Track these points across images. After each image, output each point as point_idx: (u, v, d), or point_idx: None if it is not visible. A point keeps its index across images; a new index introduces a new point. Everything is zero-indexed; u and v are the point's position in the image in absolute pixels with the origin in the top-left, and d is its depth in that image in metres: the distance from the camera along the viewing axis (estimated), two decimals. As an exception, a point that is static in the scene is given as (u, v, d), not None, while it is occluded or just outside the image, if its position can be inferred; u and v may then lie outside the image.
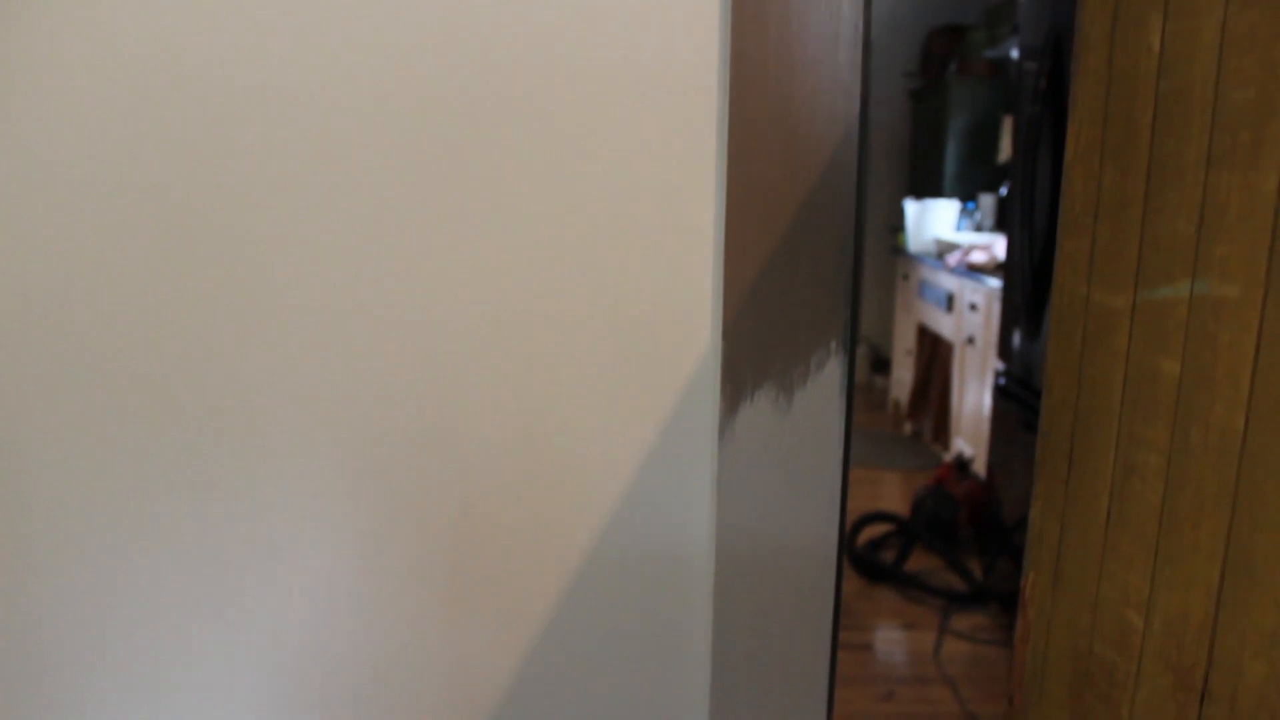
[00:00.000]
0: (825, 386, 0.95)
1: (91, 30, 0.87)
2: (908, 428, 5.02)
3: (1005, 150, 4.90)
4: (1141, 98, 0.75)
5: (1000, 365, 3.15)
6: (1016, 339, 2.97)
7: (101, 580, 0.96)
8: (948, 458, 4.22)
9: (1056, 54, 2.62)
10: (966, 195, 5.26)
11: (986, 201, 5.02)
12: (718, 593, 0.98)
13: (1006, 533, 3.02)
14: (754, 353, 0.93)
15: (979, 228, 5.05)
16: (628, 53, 0.90)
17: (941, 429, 4.49)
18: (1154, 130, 0.73)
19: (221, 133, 0.89)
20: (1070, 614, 0.88)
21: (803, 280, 0.92)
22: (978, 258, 4.06)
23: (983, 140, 5.20)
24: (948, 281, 4.32)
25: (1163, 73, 0.72)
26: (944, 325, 4.40)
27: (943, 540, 3.46)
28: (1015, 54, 4.56)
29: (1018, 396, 2.94)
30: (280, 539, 0.96)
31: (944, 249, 4.72)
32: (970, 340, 3.97)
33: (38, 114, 0.88)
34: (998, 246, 4.06)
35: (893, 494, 4.07)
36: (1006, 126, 4.91)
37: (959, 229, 5.06)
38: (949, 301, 4.29)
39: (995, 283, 3.64)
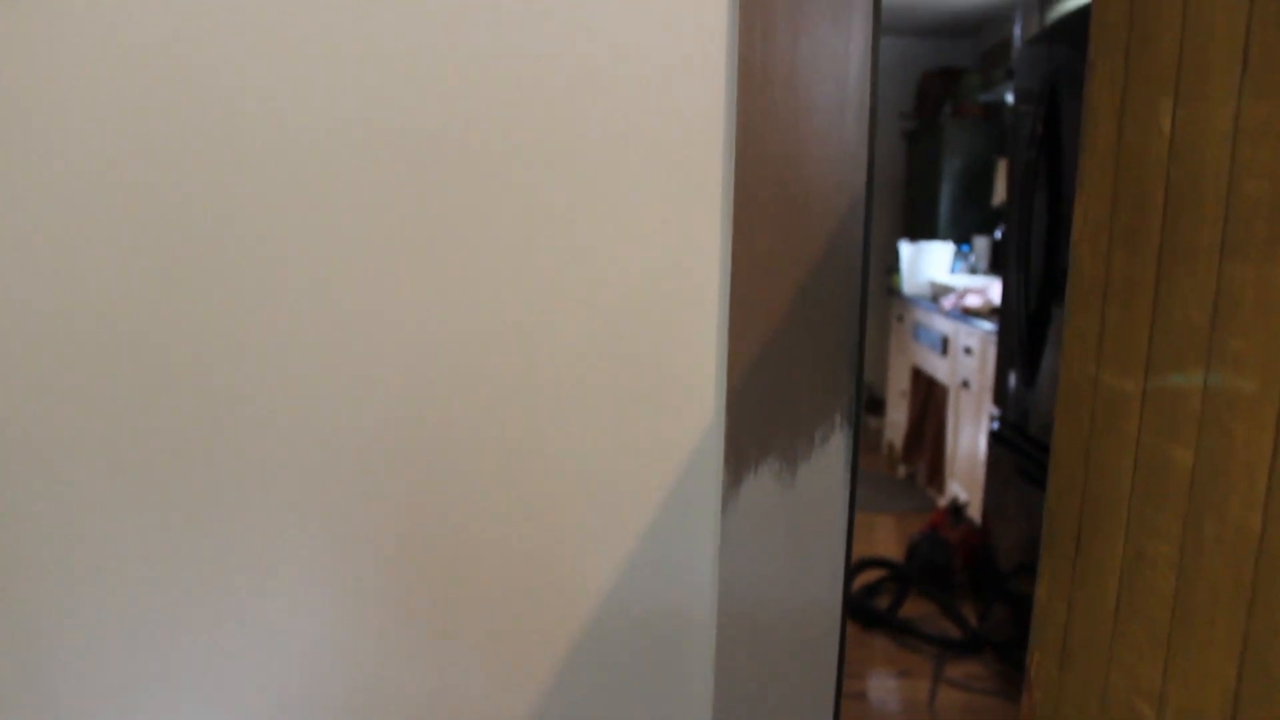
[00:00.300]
0: (829, 460, 0.93)
1: (94, 38, 0.86)
2: (902, 470, 5.00)
3: (1000, 193, 4.92)
4: (1151, 180, 0.74)
5: (995, 410, 3.15)
6: (1012, 384, 2.97)
7: (84, 590, 0.95)
8: (942, 502, 4.21)
9: (1053, 100, 2.63)
10: (961, 237, 5.28)
11: (981, 244, 5.03)
12: (719, 660, 0.97)
13: (1002, 579, 3.00)
14: (758, 426, 0.92)
15: (973, 270, 5.06)
16: (634, 123, 0.89)
17: (936, 472, 4.47)
18: (1165, 214, 0.72)
19: (220, 155, 0.88)
20: (1078, 699, 0.86)
21: (807, 354, 0.91)
22: (972, 301, 4.06)
23: (977, 183, 5.22)
24: (942, 324, 4.32)
25: (1174, 157, 0.71)
26: (938, 368, 4.39)
27: (937, 586, 3.44)
28: (1010, 98, 4.59)
29: (1013, 443, 2.93)
30: (270, 570, 0.95)
31: (938, 291, 4.72)
32: (965, 384, 3.96)
33: (35, 119, 0.87)
34: (992, 290, 4.07)
35: (887, 538, 4.05)
36: (1001, 169, 4.93)
37: (953, 271, 5.07)
38: (944, 344, 4.28)
39: (990, 327, 3.63)
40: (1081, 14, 2.63)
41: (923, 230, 5.51)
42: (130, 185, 0.88)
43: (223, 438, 0.92)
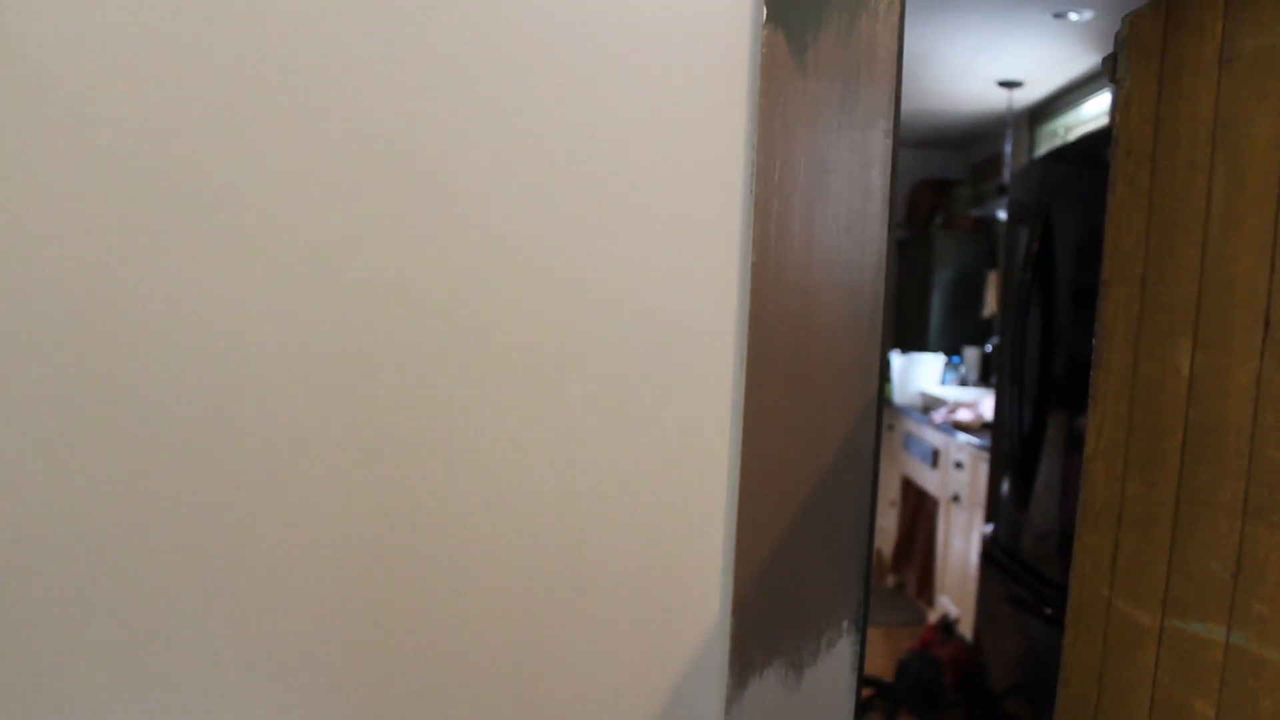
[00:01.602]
0: (836, 666, 0.92)
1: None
2: (890, 580, 4.96)
3: (990, 305, 4.96)
4: (1169, 417, 0.74)
5: (988, 528, 3.13)
6: (1004, 503, 2.95)
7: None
8: (932, 617, 4.17)
9: (1048, 220, 2.66)
10: (951, 348, 5.30)
11: (971, 355, 5.06)
12: None
13: (994, 700, 2.96)
14: (764, 629, 0.91)
15: (964, 381, 5.07)
16: (644, 315, 0.89)
17: (925, 584, 4.44)
18: (1184, 457, 0.72)
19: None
20: None
21: (816, 558, 0.90)
22: (963, 416, 4.07)
23: (967, 294, 5.26)
24: (933, 437, 4.32)
25: (1193, 401, 0.71)
26: (929, 480, 4.38)
27: (928, 706, 3.39)
28: (1002, 214, 4.65)
29: (1005, 566, 2.91)
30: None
31: (929, 403, 4.73)
32: (955, 498, 3.95)
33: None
34: (983, 405, 4.08)
35: (876, 651, 4.00)
36: (992, 282, 4.97)
37: (944, 382, 5.09)
38: (934, 457, 4.28)
39: (981, 442, 3.63)
40: (1078, 142, 2.67)
41: (913, 340, 5.54)
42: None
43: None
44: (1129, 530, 0.80)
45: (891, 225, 0.90)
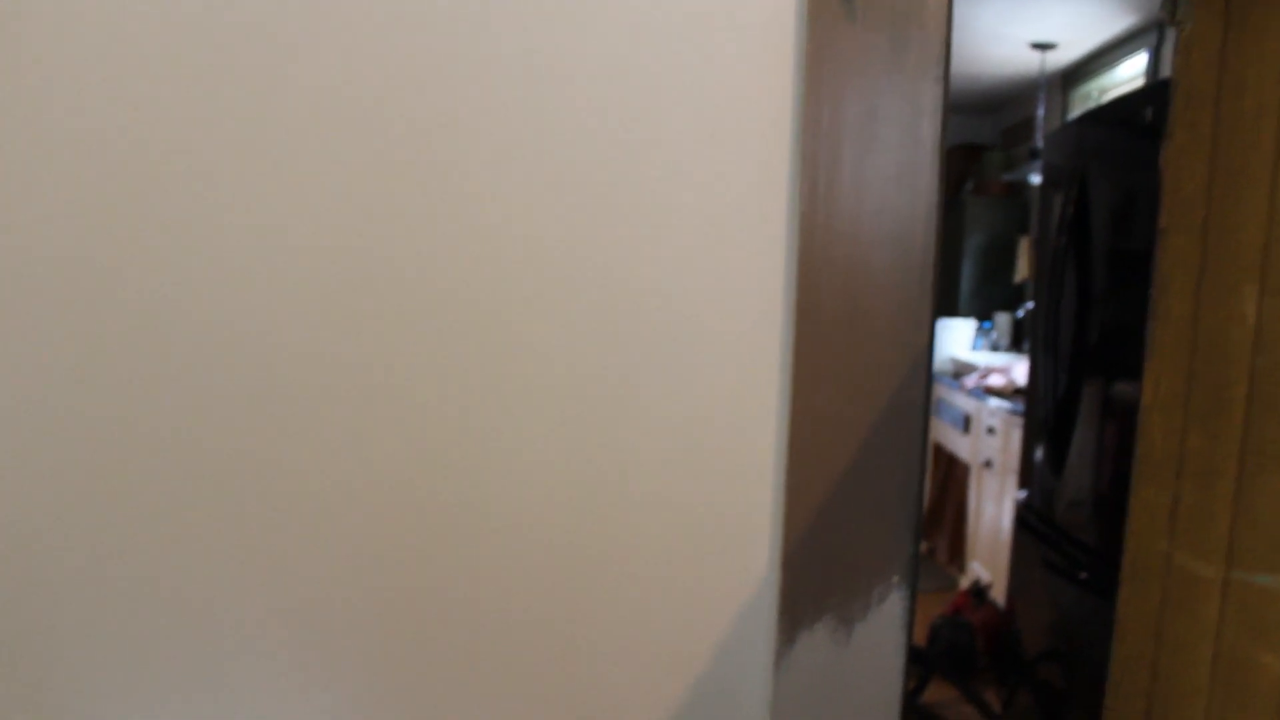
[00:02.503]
0: (886, 620, 0.91)
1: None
2: (922, 545, 4.95)
3: (1022, 270, 4.91)
4: (1234, 367, 0.73)
5: (1021, 494, 3.11)
6: (1038, 468, 2.93)
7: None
8: (964, 582, 4.16)
9: (1083, 183, 2.62)
10: (982, 314, 5.26)
11: (1002, 320, 5.02)
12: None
13: (1027, 666, 2.95)
14: (813, 584, 0.90)
15: (995, 347, 5.04)
16: (691, 274, 0.88)
17: (957, 550, 4.43)
18: (1249, 408, 0.70)
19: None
20: None
21: (865, 513, 0.89)
22: (995, 381, 4.04)
23: (999, 260, 5.22)
24: (965, 403, 4.29)
25: (1259, 348, 0.69)
26: (960, 446, 4.36)
27: (960, 671, 3.39)
28: (1034, 178, 4.59)
29: (1039, 531, 2.90)
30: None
31: (960, 368, 4.70)
32: (987, 463, 3.93)
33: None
34: (1015, 370, 4.05)
35: (907, 618, 3.99)
36: (1023, 247, 4.93)
37: (975, 348, 5.06)
38: (965, 423, 4.25)
39: (1013, 406, 3.61)
40: (1114, 103, 2.64)
41: (944, 306, 5.50)
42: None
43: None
44: (1189, 482, 0.78)
45: (943, 175, 0.89)
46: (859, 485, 0.89)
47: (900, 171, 0.87)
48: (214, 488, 0.87)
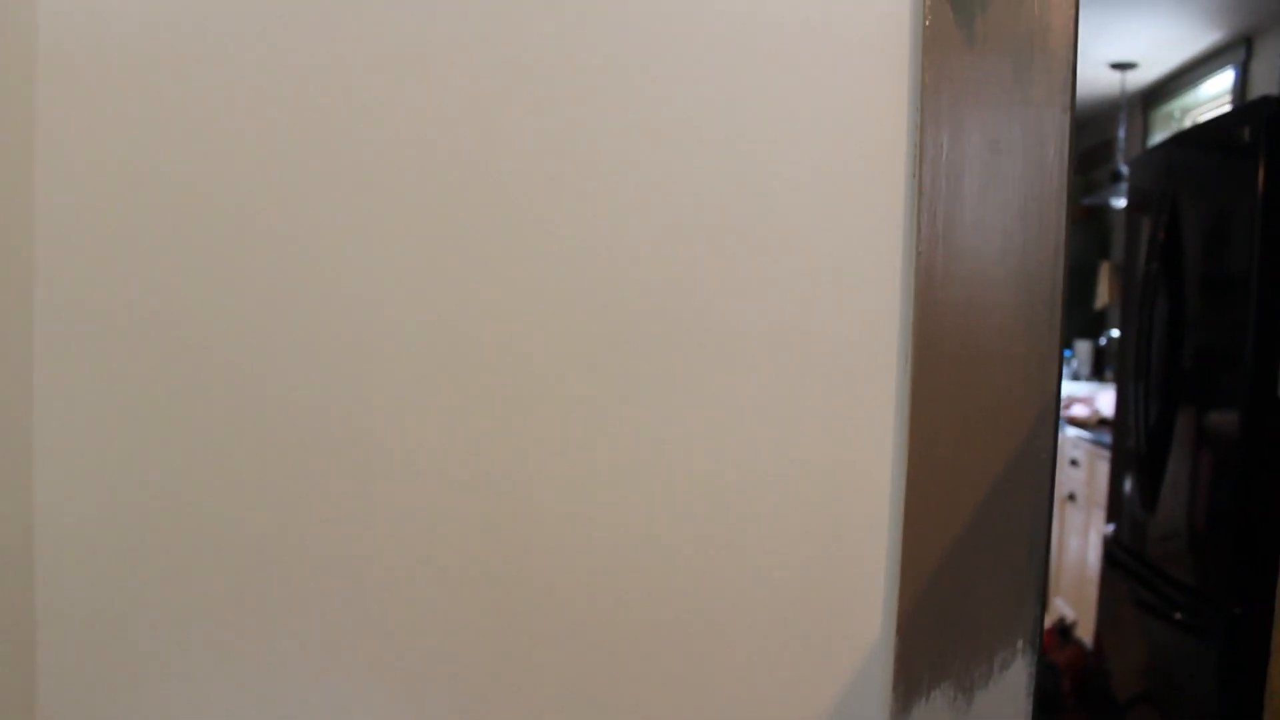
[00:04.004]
0: (1009, 689, 0.85)
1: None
2: (1000, 579, 4.83)
3: (1103, 296, 4.79)
4: None
5: (1109, 528, 3.01)
6: (1128, 502, 2.83)
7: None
8: (1048, 620, 4.04)
9: (1175, 207, 2.54)
10: (1062, 342, 5.14)
11: (1083, 349, 4.90)
12: None
13: (1118, 709, 2.84)
14: (932, 649, 0.84)
15: (1076, 376, 4.91)
16: (805, 315, 0.83)
17: (1038, 585, 4.30)
18: None
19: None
20: None
21: (988, 572, 0.83)
22: (1078, 411, 3.93)
23: (1079, 285, 5.09)
24: (1046, 433, 4.18)
25: None
26: (1041, 477, 4.24)
27: (1044, 713, 3.27)
28: (1117, 202, 4.48)
29: (1129, 568, 2.79)
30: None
31: (1040, 397, 4.59)
32: (1071, 496, 3.82)
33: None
34: (1099, 400, 3.93)
35: (989, 656, 3.88)
36: (1104, 273, 4.80)
37: (1055, 375, 4.94)
38: (1047, 454, 4.14)
39: (1097, 437, 3.50)
40: (1205, 126, 2.56)
41: (1021, 332, 5.38)
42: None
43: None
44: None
45: (1070, 208, 0.83)
46: (981, 542, 0.83)
47: (1025, 207, 0.81)
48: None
